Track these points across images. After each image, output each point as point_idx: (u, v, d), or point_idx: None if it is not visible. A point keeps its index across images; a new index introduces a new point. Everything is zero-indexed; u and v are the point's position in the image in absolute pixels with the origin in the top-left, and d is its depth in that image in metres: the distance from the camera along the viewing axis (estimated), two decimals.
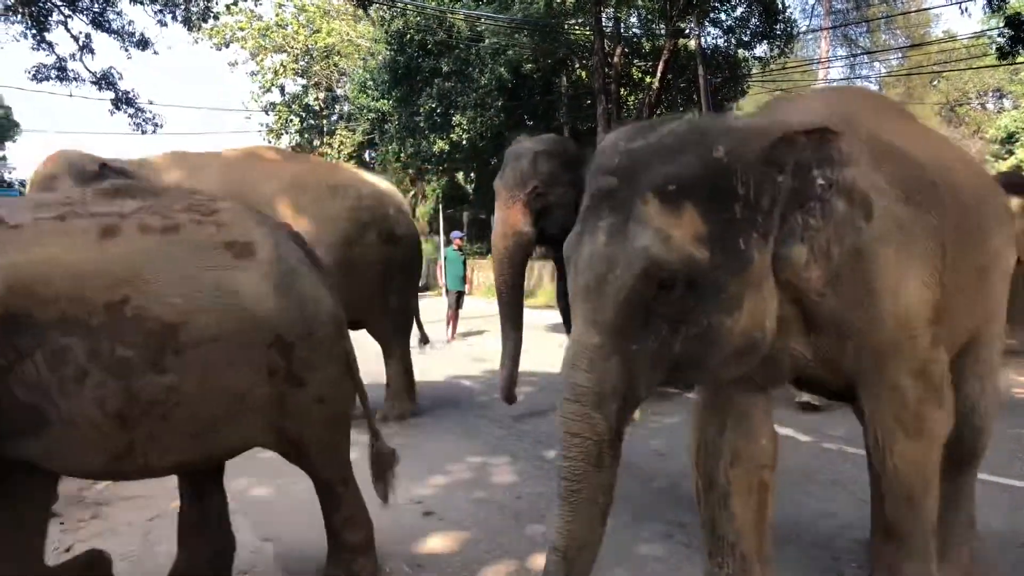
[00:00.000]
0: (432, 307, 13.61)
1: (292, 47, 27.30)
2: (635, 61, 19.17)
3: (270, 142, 27.77)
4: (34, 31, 13.13)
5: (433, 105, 17.83)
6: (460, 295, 12.40)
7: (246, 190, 5.29)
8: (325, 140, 28.14)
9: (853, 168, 2.05)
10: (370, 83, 20.35)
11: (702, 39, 17.24)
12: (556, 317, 8.83)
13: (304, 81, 28.56)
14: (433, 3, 17.30)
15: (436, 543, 3.61)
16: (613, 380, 1.88)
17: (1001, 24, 12.26)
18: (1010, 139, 24.42)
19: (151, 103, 15.16)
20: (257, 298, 2.53)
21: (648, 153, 1.95)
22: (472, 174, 23.32)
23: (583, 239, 1.95)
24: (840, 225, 2.04)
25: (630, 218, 1.87)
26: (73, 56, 13.92)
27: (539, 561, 3.30)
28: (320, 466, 2.92)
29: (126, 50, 14.45)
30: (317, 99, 28.47)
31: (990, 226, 2.69)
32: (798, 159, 1.98)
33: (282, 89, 28.57)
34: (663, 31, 17.23)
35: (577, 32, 18.13)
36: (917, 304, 2.23)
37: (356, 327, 6.10)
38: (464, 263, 12.63)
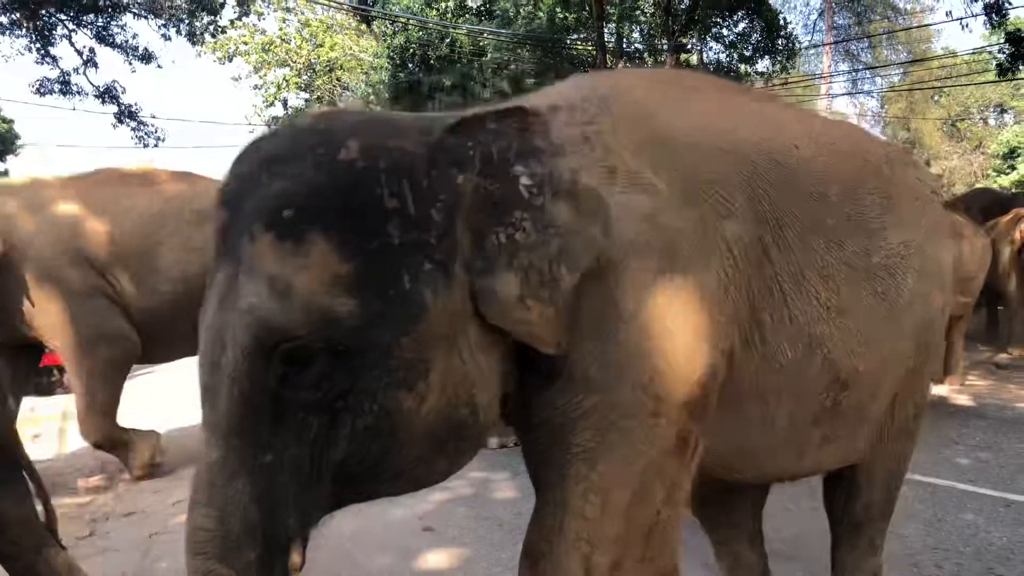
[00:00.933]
0: None
1: (295, 61, 27.42)
2: None
3: None
4: (38, 45, 13.18)
5: None
6: None
7: (107, 222, 5.00)
8: None
9: (572, 157, 1.47)
10: (372, 97, 20.45)
11: (704, 54, 17.32)
12: None
13: (307, 95, 28.67)
14: (435, 18, 17.38)
15: (436, 559, 3.59)
16: (243, 513, 1.28)
17: (1001, 40, 12.30)
18: (1012, 154, 24.43)
19: (153, 116, 15.21)
20: None
21: (256, 167, 1.35)
22: None
23: (205, 309, 1.37)
24: (568, 237, 1.40)
25: (240, 267, 1.29)
26: (77, 70, 13.97)
27: None
28: None
29: (130, 63, 14.51)
30: None
31: (877, 216, 1.97)
32: (487, 151, 1.40)
33: (285, 103, 28.68)
34: (665, 46, 17.27)
35: (580, 47, 18.20)
36: (681, 364, 1.51)
37: None
38: None
